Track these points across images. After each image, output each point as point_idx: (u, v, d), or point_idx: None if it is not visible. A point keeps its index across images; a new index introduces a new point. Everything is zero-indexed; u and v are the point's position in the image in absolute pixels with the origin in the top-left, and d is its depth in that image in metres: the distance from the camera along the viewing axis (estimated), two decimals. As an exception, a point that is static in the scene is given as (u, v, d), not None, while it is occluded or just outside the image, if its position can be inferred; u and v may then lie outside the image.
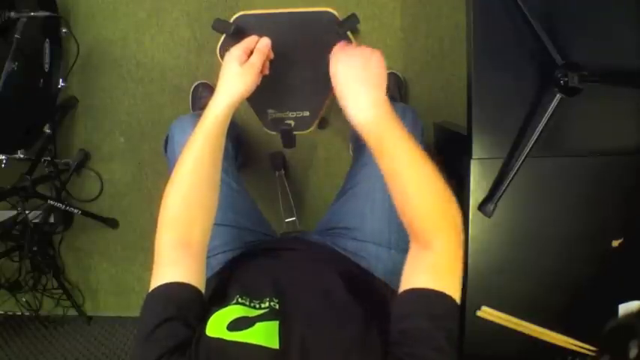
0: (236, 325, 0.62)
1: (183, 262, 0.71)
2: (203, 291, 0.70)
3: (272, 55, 0.87)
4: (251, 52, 0.83)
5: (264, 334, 0.61)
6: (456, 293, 0.63)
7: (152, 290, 0.67)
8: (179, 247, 0.72)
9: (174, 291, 0.67)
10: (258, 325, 0.63)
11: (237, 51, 0.81)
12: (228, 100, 0.80)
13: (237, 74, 0.80)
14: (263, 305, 0.68)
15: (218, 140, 0.80)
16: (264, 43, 0.83)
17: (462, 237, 0.68)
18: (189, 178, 0.76)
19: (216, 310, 0.65)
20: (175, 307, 0.64)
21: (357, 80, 0.75)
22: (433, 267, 0.65)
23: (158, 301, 0.66)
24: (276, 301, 0.69)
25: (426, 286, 0.63)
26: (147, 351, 0.59)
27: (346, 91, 0.75)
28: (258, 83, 0.84)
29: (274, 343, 0.61)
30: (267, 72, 0.87)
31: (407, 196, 0.70)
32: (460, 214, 0.69)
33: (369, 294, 0.70)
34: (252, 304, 0.68)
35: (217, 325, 0.62)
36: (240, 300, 0.68)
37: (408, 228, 0.71)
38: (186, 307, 0.65)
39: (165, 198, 0.76)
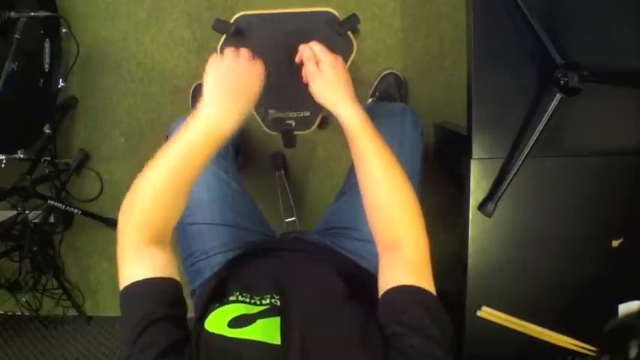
0: (237, 322, 0.63)
1: (154, 256, 0.68)
2: (178, 279, 0.68)
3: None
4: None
5: (266, 331, 0.62)
6: (433, 288, 0.67)
7: (128, 286, 0.64)
8: (149, 244, 0.69)
9: (157, 287, 0.64)
10: (259, 321, 0.63)
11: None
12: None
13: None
14: (264, 302, 0.68)
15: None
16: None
17: (427, 238, 0.72)
18: (169, 170, 0.72)
19: (217, 307, 0.65)
20: (161, 307, 0.62)
21: (337, 94, 0.82)
22: (409, 266, 0.69)
23: (141, 299, 0.63)
24: (277, 297, 0.69)
25: (409, 283, 0.65)
26: (139, 354, 0.58)
27: (331, 104, 0.82)
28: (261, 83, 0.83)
29: (275, 339, 0.61)
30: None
31: (378, 196, 0.75)
32: (422, 217, 0.74)
33: (369, 294, 0.71)
34: (252, 301, 0.68)
35: (218, 323, 0.62)
36: (240, 297, 0.68)
37: (381, 233, 0.74)
38: (170, 305, 0.63)
39: (139, 182, 0.72)
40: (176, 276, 0.67)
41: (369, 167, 0.77)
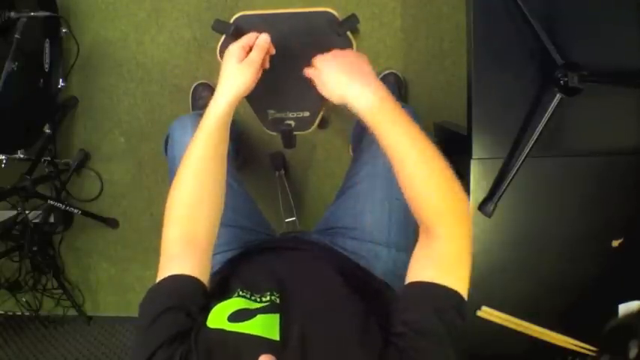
0: (237, 316, 0.63)
1: (187, 256, 0.71)
2: (207, 285, 0.71)
3: (273, 50, 0.86)
4: (250, 49, 0.83)
5: (265, 326, 0.62)
6: (462, 286, 0.63)
7: (157, 282, 0.68)
8: (184, 243, 0.73)
9: (178, 283, 0.68)
10: (259, 316, 0.63)
11: (235, 48, 0.81)
12: (229, 97, 0.80)
13: (236, 71, 0.80)
14: (264, 299, 0.68)
15: (221, 137, 0.80)
16: (264, 38, 0.83)
17: (469, 227, 0.67)
18: (195, 176, 0.77)
19: (217, 303, 0.66)
20: (178, 298, 0.65)
21: (350, 74, 0.77)
22: (439, 260, 0.65)
23: (162, 291, 0.67)
24: (277, 295, 0.69)
25: (432, 280, 0.62)
26: (149, 339, 0.60)
27: (343, 87, 0.76)
28: (259, 77, 0.84)
29: (274, 335, 0.61)
30: (267, 66, 0.87)
31: (413, 182, 0.69)
32: (467, 204, 0.68)
33: (368, 293, 0.71)
34: (253, 298, 0.69)
35: (218, 317, 0.63)
36: (241, 293, 0.69)
37: (416, 216, 0.70)
38: (188, 298, 0.65)
39: (171, 194, 0.77)
40: (203, 278, 0.70)
41: (402, 154, 0.70)
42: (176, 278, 0.68)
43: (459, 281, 0.63)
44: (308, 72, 0.85)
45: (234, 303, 0.66)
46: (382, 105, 0.72)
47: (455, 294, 0.62)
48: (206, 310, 0.65)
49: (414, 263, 0.67)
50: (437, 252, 0.66)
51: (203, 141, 0.78)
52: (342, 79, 0.77)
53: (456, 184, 0.68)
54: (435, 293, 0.62)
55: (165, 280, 0.68)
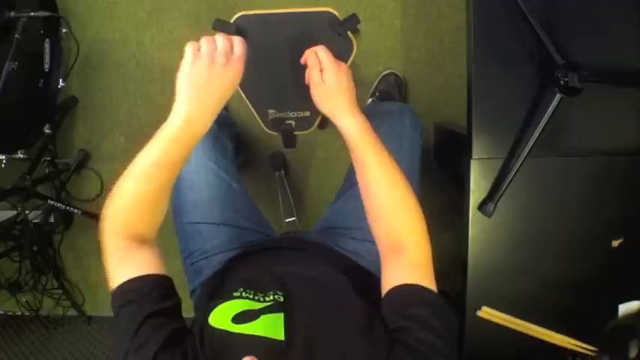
0: (241, 318, 0.63)
1: (139, 256, 0.69)
2: (166, 273, 0.69)
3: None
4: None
5: (269, 326, 0.62)
6: (435, 288, 0.68)
7: (116, 289, 0.66)
8: (133, 248, 0.70)
9: (144, 284, 0.66)
10: (263, 317, 0.64)
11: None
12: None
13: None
14: (267, 298, 0.68)
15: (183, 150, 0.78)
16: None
17: (428, 240, 0.74)
18: (140, 188, 0.74)
19: (220, 303, 0.66)
20: (152, 302, 0.63)
21: (338, 102, 0.81)
22: (411, 266, 0.70)
23: (130, 297, 0.65)
24: (281, 294, 0.69)
25: (412, 282, 0.66)
26: (138, 352, 0.59)
27: (332, 113, 0.82)
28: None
29: (279, 335, 0.61)
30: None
31: (380, 206, 0.76)
32: (424, 220, 0.75)
33: (369, 293, 0.71)
34: (256, 297, 0.69)
35: (222, 318, 0.63)
36: (244, 294, 0.69)
37: (383, 236, 0.75)
38: (160, 298, 0.64)
39: (113, 202, 0.73)
40: (162, 270, 0.69)
41: (370, 174, 0.77)
42: (141, 280, 0.66)
43: (432, 283, 0.68)
44: (307, 79, 0.85)
45: (238, 304, 0.66)
46: (364, 135, 0.79)
47: (435, 292, 0.67)
48: (204, 306, 0.64)
49: (388, 274, 0.70)
50: (409, 261, 0.71)
51: (160, 147, 0.77)
52: (331, 106, 0.81)
53: (416, 202, 0.75)
54: (421, 292, 0.66)
55: (127, 284, 0.66)
